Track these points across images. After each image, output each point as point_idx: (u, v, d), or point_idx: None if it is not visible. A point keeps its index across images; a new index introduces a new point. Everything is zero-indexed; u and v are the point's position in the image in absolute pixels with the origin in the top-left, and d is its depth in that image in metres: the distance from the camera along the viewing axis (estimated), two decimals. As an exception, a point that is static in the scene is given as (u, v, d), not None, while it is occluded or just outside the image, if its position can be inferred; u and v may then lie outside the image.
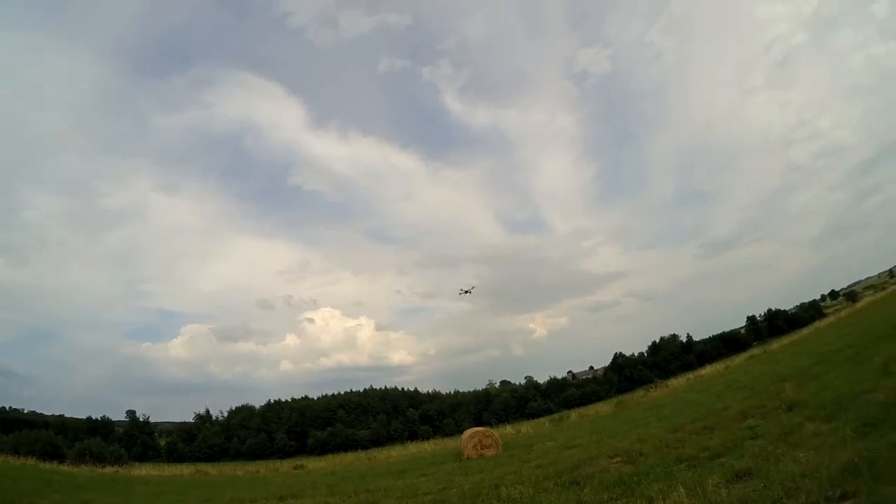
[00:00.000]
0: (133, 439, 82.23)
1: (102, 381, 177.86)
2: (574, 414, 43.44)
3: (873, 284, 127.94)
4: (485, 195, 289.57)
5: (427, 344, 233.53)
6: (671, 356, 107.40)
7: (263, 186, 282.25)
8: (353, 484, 19.43)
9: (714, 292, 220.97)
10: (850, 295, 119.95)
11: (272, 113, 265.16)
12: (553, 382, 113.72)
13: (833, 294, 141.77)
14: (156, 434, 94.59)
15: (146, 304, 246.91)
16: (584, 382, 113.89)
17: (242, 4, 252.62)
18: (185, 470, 41.04)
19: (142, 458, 71.28)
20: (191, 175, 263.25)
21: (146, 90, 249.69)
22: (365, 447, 76.14)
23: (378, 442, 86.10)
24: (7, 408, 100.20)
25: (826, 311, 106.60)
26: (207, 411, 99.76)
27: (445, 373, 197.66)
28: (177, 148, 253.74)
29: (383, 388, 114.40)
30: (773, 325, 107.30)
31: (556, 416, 47.69)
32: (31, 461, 34.26)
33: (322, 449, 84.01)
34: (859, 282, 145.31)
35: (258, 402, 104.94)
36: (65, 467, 33.68)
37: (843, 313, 60.76)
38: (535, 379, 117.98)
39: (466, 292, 72.39)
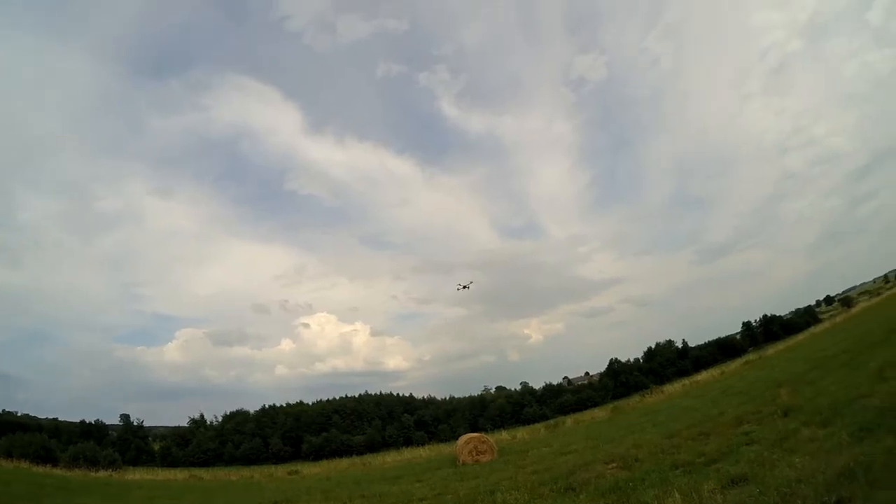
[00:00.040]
0: (127, 443, 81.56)
1: (96, 385, 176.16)
2: (569, 420, 43.44)
3: (868, 290, 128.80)
4: (481, 201, 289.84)
5: (422, 349, 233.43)
6: (667, 362, 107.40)
7: (259, 191, 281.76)
8: (348, 489, 19.31)
9: (710, 298, 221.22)
10: (846, 300, 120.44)
11: (269, 117, 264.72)
12: (548, 388, 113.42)
13: (828, 300, 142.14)
14: (150, 438, 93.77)
15: (141, 308, 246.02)
16: (580, 388, 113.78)
17: (241, 8, 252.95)
18: (180, 475, 40.87)
19: (136, 462, 70.63)
20: (187, 178, 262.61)
21: (143, 93, 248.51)
22: (360, 453, 75.74)
23: (373, 447, 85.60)
24: (0, 410, 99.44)
25: (821, 316, 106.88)
26: (202, 416, 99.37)
27: (441, 378, 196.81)
28: (173, 151, 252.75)
29: (378, 393, 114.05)
30: (768, 330, 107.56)
31: (551, 421, 47.72)
32: (24, 465, 33.97)
33: (317, 454, 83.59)
34: (854, 287, 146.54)
35: (253, 406, 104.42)
36: (58, 471, 33.46)
37: (838, 319, 61.07)
38: (530, 385, 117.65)
39: (465, 287, 72.36)
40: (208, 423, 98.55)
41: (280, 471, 41.07)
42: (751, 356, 58.88)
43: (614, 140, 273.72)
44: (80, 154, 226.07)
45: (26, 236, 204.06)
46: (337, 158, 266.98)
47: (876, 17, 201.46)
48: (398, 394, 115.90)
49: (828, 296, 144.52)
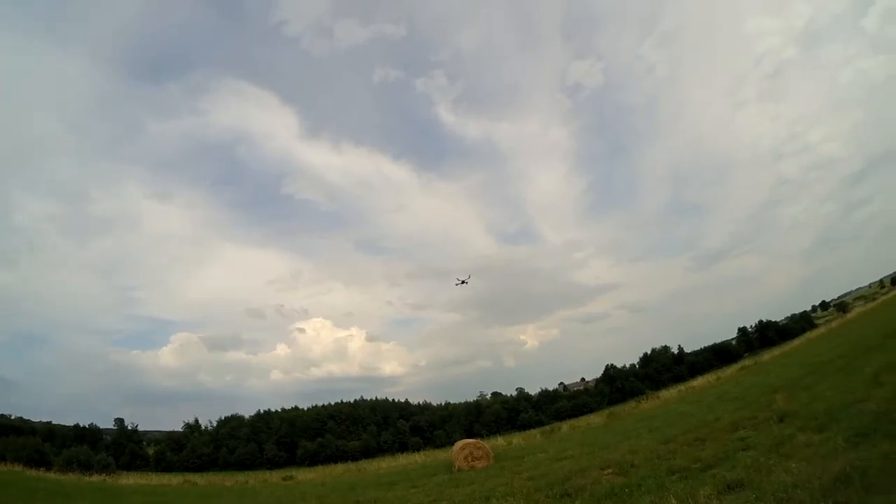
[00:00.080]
0: (121, 448, 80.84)
1: (91, 389, 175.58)
2: (565, 426, 43.18)
3: (864, 295, 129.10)
4: (477, 207, 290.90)
5: (418, 355, 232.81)
6: (663, 368, 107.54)
7: (256, 195, 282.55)
8: (343, 495, 19.22)
9: (705, 304, 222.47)
10: (841, 306, 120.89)
11: (266, 122, 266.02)
12: (544, 394, 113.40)
13: (824, 305, 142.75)
14: (144, 443, 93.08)
15: (136, 312, 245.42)
16: (576, 394, 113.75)
17: (239, 12, 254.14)
18: (174, 480, 40.48)
19: (129, 466, 69.94)
20: (183, 182, 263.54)
21: (141, 96, 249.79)
22: (355, 458, 75.51)
23: (368, 453, 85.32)
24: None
25: (817, 322, 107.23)
26: (196, 420, 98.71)
27: (436, 384, 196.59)
28: (170, 155, 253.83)
29: (374, 398, 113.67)
30: (764, 336, 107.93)
31: (547, 427, 47.47)
32: (17, 468, 33.85)
33: (312, 460, 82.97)
34: (850, 293, 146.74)
35: (248, 411, 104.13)
36: (51, 475, 33.31)
37: (833, 324, 61.10)
38: (526, 390, 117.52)
39: (463, 282, 72.36)
40: (203, 427, 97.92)
41: (275, 476, 40.78)
42: (746, 362, 58.85)
43: (610, 146, 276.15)
44: (76, 157, 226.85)
45: (22, 238, 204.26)
46: (333, 163, 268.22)
47: (871, 24, 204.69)
48: (393, 399, 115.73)
49: (823, 301, 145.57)
